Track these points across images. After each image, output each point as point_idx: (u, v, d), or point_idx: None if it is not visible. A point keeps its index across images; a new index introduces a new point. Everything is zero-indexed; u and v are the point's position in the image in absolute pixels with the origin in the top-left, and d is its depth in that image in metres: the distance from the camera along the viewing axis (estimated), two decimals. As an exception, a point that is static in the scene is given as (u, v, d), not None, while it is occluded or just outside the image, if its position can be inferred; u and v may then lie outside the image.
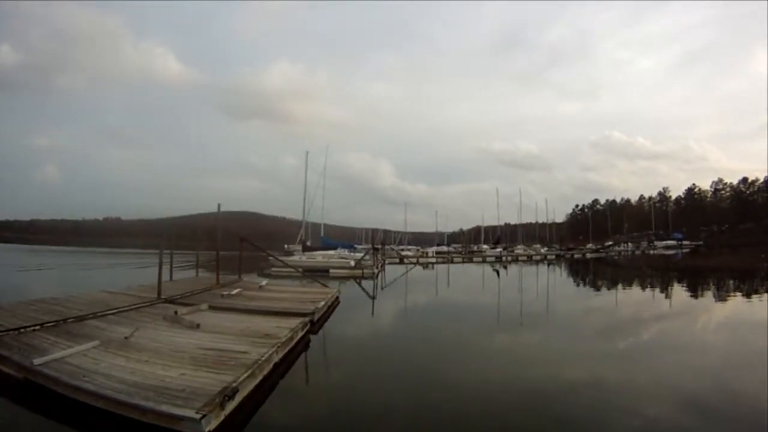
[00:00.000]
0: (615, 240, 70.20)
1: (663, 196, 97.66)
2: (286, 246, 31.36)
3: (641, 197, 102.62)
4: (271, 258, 20.97)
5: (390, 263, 32.97)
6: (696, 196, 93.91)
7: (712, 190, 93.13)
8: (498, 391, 5.13)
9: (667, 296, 15.41)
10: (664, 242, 66.94)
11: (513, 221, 76.62)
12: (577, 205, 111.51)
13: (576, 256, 51.38)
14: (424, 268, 32.03)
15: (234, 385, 4.02)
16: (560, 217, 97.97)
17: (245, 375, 4.36)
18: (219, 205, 14.11)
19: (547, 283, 21.57)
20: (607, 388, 5.17)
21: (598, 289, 19.27)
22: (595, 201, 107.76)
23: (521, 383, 5.45)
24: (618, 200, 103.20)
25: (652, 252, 57.65)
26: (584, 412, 4.41)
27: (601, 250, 58.52)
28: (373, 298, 14.46)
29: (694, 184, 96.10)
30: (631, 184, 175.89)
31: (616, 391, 5.08)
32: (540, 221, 76.01)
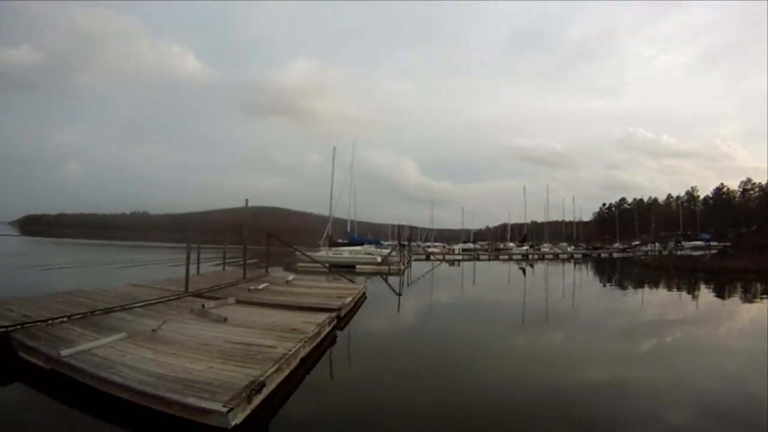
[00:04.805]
0: (642, 240, 67.61)
1: (691, 195, 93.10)
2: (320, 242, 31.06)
3: (669, 196, 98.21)
4: (297, 253, 21.02)
5: (416, 260, 32.75)
6: (724, 196, 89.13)
7: (741, 189, 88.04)
8: (519, 391, 5.02)
9: (694, 298, 15.06)
10: (692, 243, 64.10)
11: (539, 219, 74.96)
12: (604, 204, 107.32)
13: (603, 255, 50.09)
14: (450, 265, 31.66)
15: (261, 379, 3.93)
16: (587, 216, 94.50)
17: (272, 369, 4.25)
18: (246, 200, 14.17)
19: (573, 283, 21.12)
20: (630, 390, 5.04)
21: (624, 289, 18.87)
22: (623, 200, 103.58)
23: (543, 383, 5.31)
24: (645, 199, 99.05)
25: (679, 253, 55.30)
26: (606, 413, 4.32)
27: (628, 250, 56.48)
28: (399, 294, 14.25)
29: (722, 184, 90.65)
30: (658, 183, 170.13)
31: (639, 394, 4.92)
32: (567, 219, 74.23)
